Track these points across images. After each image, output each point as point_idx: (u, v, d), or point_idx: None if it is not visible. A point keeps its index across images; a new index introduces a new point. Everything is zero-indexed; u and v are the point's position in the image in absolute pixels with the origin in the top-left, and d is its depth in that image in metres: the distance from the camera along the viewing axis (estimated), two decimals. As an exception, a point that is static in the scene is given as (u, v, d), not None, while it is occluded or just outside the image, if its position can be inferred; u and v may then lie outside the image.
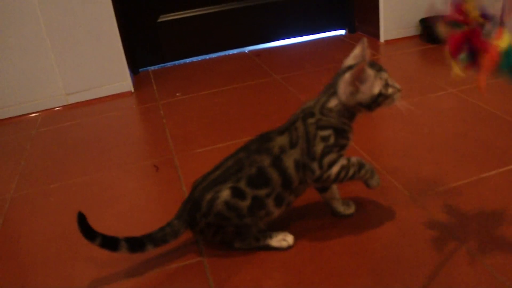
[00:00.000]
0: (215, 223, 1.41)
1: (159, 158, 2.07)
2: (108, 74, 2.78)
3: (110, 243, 1.36)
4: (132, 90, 2.86)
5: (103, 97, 2.80)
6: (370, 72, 1.35)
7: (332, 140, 1.38)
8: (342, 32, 3.63)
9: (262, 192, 1.38)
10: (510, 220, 1.48)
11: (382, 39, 3.29)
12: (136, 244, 1.39)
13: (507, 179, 1.67)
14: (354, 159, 1.44)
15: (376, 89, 1.35)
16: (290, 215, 1.52)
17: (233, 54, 3.39)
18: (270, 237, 1.45)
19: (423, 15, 3.27)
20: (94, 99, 2.79)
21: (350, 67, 1.39)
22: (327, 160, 1.38)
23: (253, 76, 2.89)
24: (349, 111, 1.40)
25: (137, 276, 1.41)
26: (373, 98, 1.36)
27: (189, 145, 2.14)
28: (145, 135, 2.37)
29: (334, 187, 1.54)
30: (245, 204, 1.37)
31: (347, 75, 1.35)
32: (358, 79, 1.33)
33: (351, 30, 3.60)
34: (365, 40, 1.43)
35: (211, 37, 3.36)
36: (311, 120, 1.39)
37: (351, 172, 1.42)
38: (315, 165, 1.38)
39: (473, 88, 2.39)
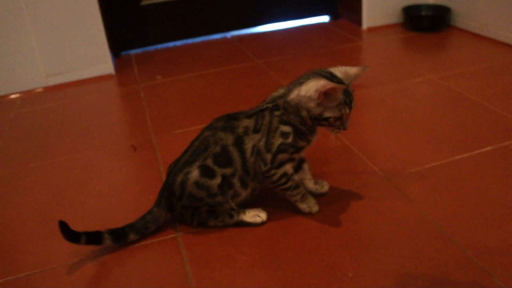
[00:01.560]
0: (189, 205, 1.42)
1: (137, 139, 2.07)
2: (89, 56, 2.77)
3: (94, 238, 1.38)
4: (113, 73, 2.85)
5: (84, 79, 2.79)
6: (340, 98, 1.32)
7: (290, 139, 1.38)
8: (325, 19, 3.63)
9: (228, 171, 1.40)
10: (480, 199, 1.50)
11: (364, 26, 3.30)
12: (119, 235, 1.41)
13: (479, 161, 1.70)
14: (295, 176, 1.45)
15: (328, 114, 1.34)
16: (263, 193, 1.53)
17: (216, 39, 3.39)
18: (244, 213, 1.46)
19: (406, 3, 3.29)
20: (75, 81, 2.78)
21: (331, 76, 1.35)
22: (280, 157, 1.39)
23: (235, 61, 2.89)
24: (299, 112, 1.36)
25: (113, 250, 1.42)
26: (318, 117, 1.34)
27: (168, 127, 2.14)
28: (124, 117, 2.37)
29: (306, 167, 1.56)
30: (215, 182, 1.39)
31: (323, 82, 1.29)
32: (327, 94, 1.30)
33: (334, 17, 3.60)
34: (367, 68, 1.41)
35: (194, 21, 3.35)
36: (277, 113, 1.39)
37: (289, 183, 1.44)
38: (268, 157, 1.39)
39: (451, 75, 2.42)
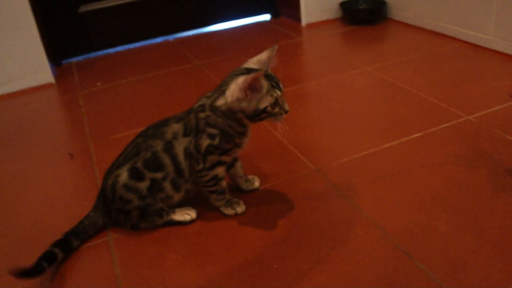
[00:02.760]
0: (121, 209, 1.43)
1: (75, 146, 2.06)
2: (26, 66, 2.73)
3: (50, 259, 1.33)
4: (53, 81, 2.82)
5: (23, 89, 2.76)
6: (264, 84, 1.29)
7: (216, 141, 1.37)
8: (267, 17, 3.67)
9: (158, 175, 1.41)
10: (405, 185, 1.55)
11: (304, 22, 3.35)
12: (64, 244, 1.39)
13: (407, 148, 1.75)
14: (223, 182, 1.47)
15: (263, 105, 1.31)
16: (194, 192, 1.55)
17: (158, 43, 3.39)
18: (174, 212, 1.48)
19: (342, -2, 3.35)
20: (13, 92, 2.74)
21: (247, 71, 1.35)
22: (210, 158, 1.39)
23: (175, 63, 2.90)
24: (234, 115, 1.35)
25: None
26: (256, 112, 1.32)
27: (106, 132, 2.14)
28: (62, 125, 2.35)
29: (238, 165, 1.58)
30: (144, 185, 1.40)
31: (241, 79, 1.28)
32: (251, 87, 1.28)
33: (275, 15, 3.64)
34: (275, 47, 1.39)
35: (135, 26, 3.34)
36: (202, 115, 1.38)
37: (216, 187, 1.46)
38: (200, 158, 1.40)
39: (386, 65, 2.48)
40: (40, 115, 2.47)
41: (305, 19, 3.33)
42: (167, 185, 1.43)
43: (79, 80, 2.83)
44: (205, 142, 1.38)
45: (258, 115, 1.32)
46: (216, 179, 1.44)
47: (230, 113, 1.34)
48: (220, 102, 1.35)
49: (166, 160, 1.41)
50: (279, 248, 1.34)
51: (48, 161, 1.98)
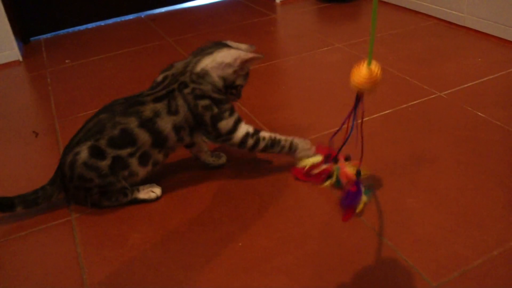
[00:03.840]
0: (81, 186, 1.39)
1: (40, 125, 2.01)
2: (-8, 43, 2.66)
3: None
4: (21, 59, 2.75)
5: (-12, 67, 2.69)
6: (249, 68, 1.45)
7: (214, 108, 1.39)
8: (241, -6, 3.61)
9: (125, 151, 1.37)
10: (373, 160, 1.53)
11: (278, -1, 3.30)
12: (6, 204, 1.40)
13: (377, 124, 1.73)
14: (266, 134, 1.45)
15: (239, 82, 1.44)
16: (159, 170, 1.51)
17: (129, 20, 3.32)
18: (138, 190, 1.44)
19: (317, -25, 3.30)
20: (-21, 70, 2.67)
21: (237, 47, 1.45)
22: (222, 125, 1.40)
23: (146, 40, 2.84)
24: (212, 80, 1.40)
25: (4, 239, 1.38)
26: (231, 84, 1.42)
27: (73, 110, 2.09)
28: (29, 103, 2.29)
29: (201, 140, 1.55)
30: (105, 163, 1.36)
31: (242, 52, 1.40)
32: (245, 64, 1.40)
33: (250, -8, 3.59)
34: (254, 46, 1.51)
35: (106, 3, 3.26)
36: (186, 90, 1.38)
37: (261, 146, 1.45)
38: (209, 129, 1.42)
39: (359, 42, 2.45)
40: (6, 93, 2.40)
41: (279, -4, 3.29)
42: (133, 161, 1.38)
43: (47, 58, 2.76)
44: (206, 116, 1.39)
45: (230, 88, 1.43)
46: (251, 135, 1.43)
47: (209, 77, 1.39)
48: (205, 62, 1.40)
49: (143, 136, 1.36)
50: (244, 226, 1.32)
51: (13, 140, 1.92)
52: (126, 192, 1.42)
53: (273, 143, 1.45)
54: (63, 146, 1.78)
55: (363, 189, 1.35)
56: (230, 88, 1.43)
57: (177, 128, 1.39)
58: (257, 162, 1.59)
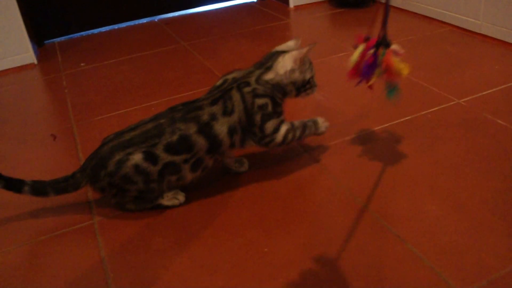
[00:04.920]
0: (118, 185, 1.38)
1: (58, 127, 2.01)
2: (8, 46, 2.66)
3: (14, 185, 1.41)
4: (36, 62, 2.76)
5: (4, 70, 2.69)
6: (309, 59, 1.50)
7: (270, 108, 1.43)
8: (254, -1, 3.62)
9: (181, 158, 1.37)
10: (395, 168, 1.53)
11: (291, 4, 3.31)
12: (39, 190, 1.42)
13: (397, 131, 1.72)
14: (296, 122, 1.52)
15: (308, 75, 1.49)
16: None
17: (143, 23, 3.33)
18: (162, 197, 1.44)
19: (330, -20, 3.31)
20: (-5, 72, 2.68)
21: (283, 52, 1.49)
22: (268, 125, 1.44)
23: (161, 44, 2.85)
24: (282, 89, 1.47)
25: (27, 243, 1.38)
26: (304, 82, 1.49)
27: (89, 113, 2.09)
28: (45, 106, 2.29)
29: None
30: (155, 169, 1.35)
31: (295, 52, 1.45)
32: (302, 59, 1.45)
33: (262, -3, 3.60)
34: (299, 38, 1.57)
35: (120, 6, 3.28)
36: (247, 89, 1.42)
37: (298, 133, 1.51)
38: (256, 130, 1.44)
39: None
40: (22, 96, 2.41)
41: (293, 1, 3.29)
42: (186, 166, 1.39)
43: (62, 61, 2.77)
44: (258, 116, 1.43)
45: (304, 86, 1.50)
46: (290, 131, 1.50)
47: (279, 87, 1.46)
48: (270, 75, 1.45)
49: (200, 141, 1.37)
50: (268, 231, 1.32)
51: (30, 142, 1.93)
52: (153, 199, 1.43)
53: (304, 126, 1.54)
54: (82, 149, 1.79)
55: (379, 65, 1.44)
56: (305, 86, 1.50)
57: (231, 131, 1.41)
58: (278, 167, 1.59)
